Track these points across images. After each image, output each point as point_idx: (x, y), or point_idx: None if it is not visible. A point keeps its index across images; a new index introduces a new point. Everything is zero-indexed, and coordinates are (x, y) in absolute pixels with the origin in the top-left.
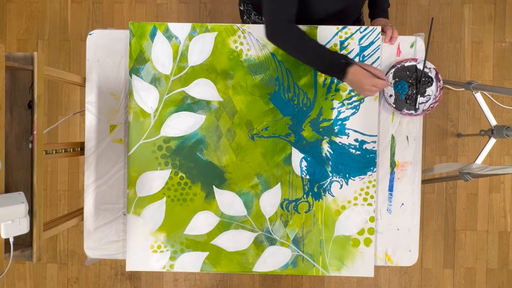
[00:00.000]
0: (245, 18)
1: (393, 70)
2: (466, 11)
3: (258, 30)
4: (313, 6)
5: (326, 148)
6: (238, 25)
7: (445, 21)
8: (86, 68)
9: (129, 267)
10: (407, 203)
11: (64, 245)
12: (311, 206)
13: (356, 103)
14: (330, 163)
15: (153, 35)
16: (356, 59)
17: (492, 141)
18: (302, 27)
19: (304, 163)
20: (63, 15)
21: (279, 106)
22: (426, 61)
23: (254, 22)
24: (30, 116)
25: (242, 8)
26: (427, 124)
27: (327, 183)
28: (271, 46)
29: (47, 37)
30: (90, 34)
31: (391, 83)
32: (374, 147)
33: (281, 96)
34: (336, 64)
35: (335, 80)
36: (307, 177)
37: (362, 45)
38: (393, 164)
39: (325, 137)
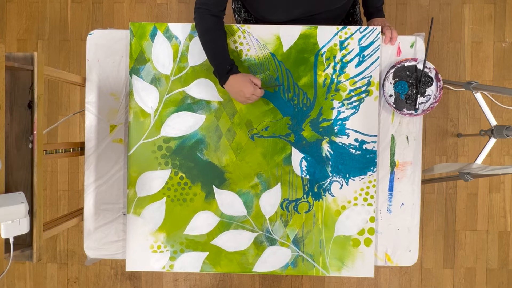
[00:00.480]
0: (236, 16)
1: (393, 70)
2: (466, 11)
3: (258, 31)
4: (263, 13)
5: (326, 148)
6: (238, 25)
7: (445, 21)
8: (86, 68)
9: (129, 267)
10: (407, 203)
11: (64, 245)
12: (311, 206)
13: (356, 103)
14: (330, 163)
15: (153, 35)
16: (356, 59)
17: (492, 141)
18: (301, 27)
19: (304, 163)
20: (63, 15)
21: (279, 106)
22: (426, 61)
23: (245, 20)
24: (30, 116)
25: (233, 7)
26: (427, 124)
27: (327, 183)
28: (271, 46)
29: (47, 37)
30: (90, 34)
31: (391, 83)
32: (374, 147)
33: (281, 96)
34: (220, 70)
35: (335, 80)
36: (307, 177)
37: (362, 45)
38: (393, 164)
39: (325, 137)
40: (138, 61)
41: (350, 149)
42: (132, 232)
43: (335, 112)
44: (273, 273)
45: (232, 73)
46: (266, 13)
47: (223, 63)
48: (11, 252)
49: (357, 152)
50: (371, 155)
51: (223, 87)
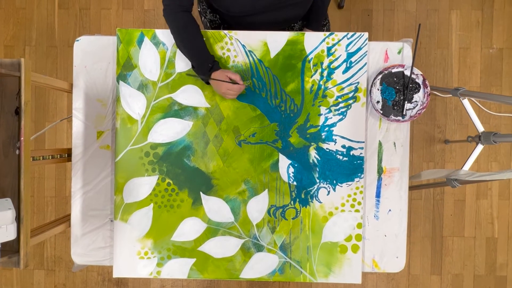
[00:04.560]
0: (202, 19)
1: (380, 76)
2: (454, 17)
3: (245, 37)
4: (229, 6)
5: (313, 154)
6: (225, 31)
7: (432, 27)
8: (73, 75)
9: (116, 274)
10: (394, 209)
11: (51, 252)
12: (299, 212)
13: (343, 109)
14: (318, 169)
15: (140, 42)
16: (343, 65)
17: (480, 147)
18: (288, 33)
19: (292, 170)
20: (50, 21)
21: (266, 112)
22: (414, 67)
23: (210, 21)
24: (17, 122)
25: (199, 9)
26: (414, 131)
27: (314, 190)
28: (258, 53)
29: (34, 43)
30: (77, 40)
31: (378, 89)
32: (361, 153)
33: (268, 103)
34: (202, 67)
35: (322, 86)
36: (294, 183)
37: (349, 51)
38: (380, 171)
39: (312, 144)
40: (125, 68)
41: (337, 156)
42: (119, 239)
43: (322, 119)
44: (260, 280)
45: (213, 70)
46: (231, 6)
47: (205, 61)
48: None
49: (344, 159)
50: (358, 161)
51: (208, 83)
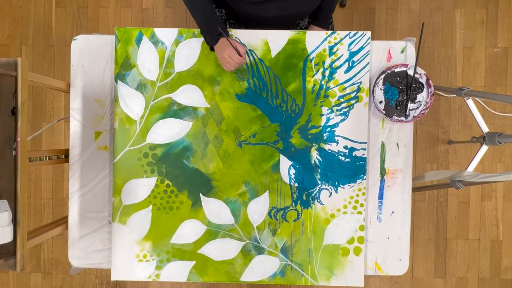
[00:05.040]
0: None
1: (383, 76)
2: (458, 16)
3: (246, 36)
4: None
5: (315, 155)
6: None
7: (436, 26)
8: (71, 74)
9: (114, 277)
10: (397, 211)
11: (49, 254)
12: (300, 214)
13: (345, 110)
14: (319, 170)
15: (139, 41)
16: (346, 65)
17: (484, 148)
18: (289, 32)
19: (293, 171)
20: (47, 20)
21: (267, 112)
22: (417, 67)
23: None
24: (14, 122)
25: None
26: (418, 131)
27: (316, 191)
28: (259, 52)
29: (31, 42)
30: (75, 39)
31: (381, 89)
32: (364, 154)
33: (269, 103)
34: (213, 30)
35: (324, 86)
36: (296, 185)
37: (352, 50)
38: (383, 172)
39: (314, 144)
40: (124, 67)
41: (339, 157)
42: (117, 241)
43: (324, 119)
44: (261, 283)
45: (222, 36)
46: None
47: (216, 24)
48: None
49: (347, 160)
50: (360, 162)
51: (213, 49)
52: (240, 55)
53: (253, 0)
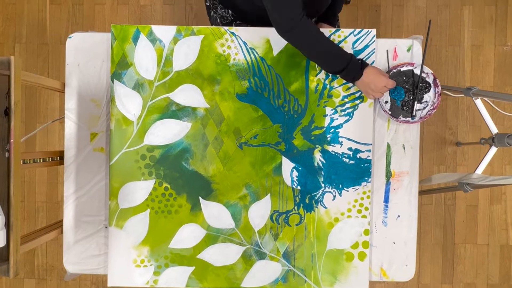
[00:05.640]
0: (212, 14)
1: (388, 75)
2: (466, 13)
3: (246, 33)
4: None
5: (318, 157)
6: (226, 27)
7: (443, 24)
8: (66, 73)
9: (111, 283)
10: (403, 215)
11: (43, 260)
12: (303, 218)
13: (349, 110)
14: (323, 173)
15: (136, 39)
16: None
17: (493, 150)
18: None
19: (295, 173)
20: (42, 17)
21: (269, 113)
22: (424, 66)
23: (221, 17)
24: (7, 123)
25: (208, 4)
26: (424, 132)
27: (319, 194)
28: (260, 50)
29: (24, 40)
30: (70, 37)
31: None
32: (368, 156)
33: (271, 103)
34: (355, 64)
35: (328, 86)
36: (298, 187)
37: (356, 48)
38: (388, 174)
39: (317, 146)
40: (120, 66)
41: (343, 159)
42: (114, 246)
43: (327, 120)
44: None
45: (365, 66)
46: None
47: (354, 59)
48: None
49: (351, 162)
50: (365, 164)
51: (356, 84)
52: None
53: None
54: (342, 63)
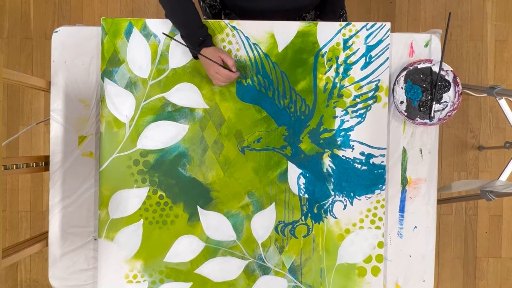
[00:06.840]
0: (201, 4)
1: (404, 72)
2: (489, 5)
3: (249, 27)
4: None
5: (327, 162)
6: (226, 21)
7: (464, 17)
8: (51, 71)
9: None
10: (420, 226)
11: (26, 275)
12: (311, 229)
13: (362, 111)
14: (332, 180)
15: (128, 33)
16: (362, 60)
17: None
18: (298, 23)
19: (302, 180)
20: (25, 9)
21: (273, 114)
22: (443, 63)
23: (210, 6)
24: None
25: None
26: (443, 135)
27: (328, 203)
28: (264, 46)
29: (6, 35)
30: (56, 31)
31: (402, 88)
32: (383, 161)
33: (276, 103)
34: (194, 39)
35: (338, 84)
36: (306, 196)
37: (369, 44)
38: (404, 181)
39: (326, 150)
40: (111, 63)
41: (355, 164)
42: (104, 260)
43: (337, 122)
44: None
45: (204, 46)
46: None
47: (196, 32)
48: None
49: (363, 168)
50: (379, 170)
51: (196, 58)
52: (228, 68)
53: None
54: (182, 31)
